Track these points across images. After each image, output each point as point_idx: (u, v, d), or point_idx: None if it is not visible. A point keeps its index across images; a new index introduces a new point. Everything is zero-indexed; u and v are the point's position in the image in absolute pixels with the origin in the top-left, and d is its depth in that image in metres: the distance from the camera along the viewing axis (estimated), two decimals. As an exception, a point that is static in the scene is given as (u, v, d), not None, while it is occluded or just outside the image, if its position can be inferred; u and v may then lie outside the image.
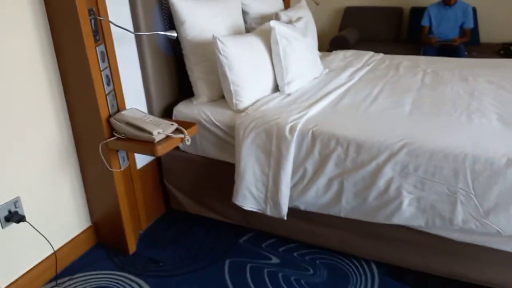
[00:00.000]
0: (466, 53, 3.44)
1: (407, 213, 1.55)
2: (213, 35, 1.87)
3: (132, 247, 1.91)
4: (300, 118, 1.75)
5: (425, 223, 1.53)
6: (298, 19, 2.43)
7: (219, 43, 1.85)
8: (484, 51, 3.53)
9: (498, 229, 1.42)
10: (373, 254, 1.75)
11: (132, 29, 1.88)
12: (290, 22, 2.41)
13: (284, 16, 2.51)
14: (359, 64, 2.64)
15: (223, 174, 1.93)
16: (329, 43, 3.96)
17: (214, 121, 1.91)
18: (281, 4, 2.86)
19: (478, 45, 3.76)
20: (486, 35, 3.86)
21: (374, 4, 4.26)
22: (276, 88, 2.13)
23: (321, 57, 2.83)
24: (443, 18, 3.55)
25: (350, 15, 4.32)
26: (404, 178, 1.53)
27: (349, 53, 2.93)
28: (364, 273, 1.72)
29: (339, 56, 2.84)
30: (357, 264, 1.77)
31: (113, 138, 1.70)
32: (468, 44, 3.63)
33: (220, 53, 1.86)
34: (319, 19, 4.55)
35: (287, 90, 2.07)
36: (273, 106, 1.90)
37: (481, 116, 1.69)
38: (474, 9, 3.65)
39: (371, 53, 2.93)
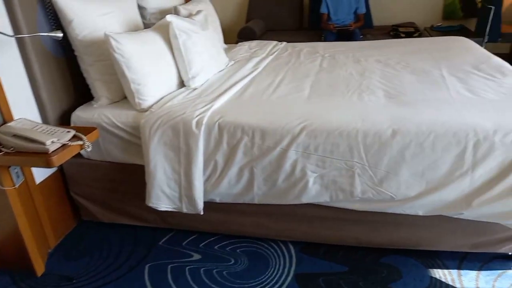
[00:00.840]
0: (361, 36, 3.71)
1: (313, 191, 1.64)
2: (105, 33, 1.78)
3: (40, 268, 1.76)
4: (206, 112, 1.75)
5: (330, 198, 1.64)
6: (198, 12, 2.40)
7: (112, 40, 1.76)
8: (377, 34, 3.85)
9: (391, 194, 1.57)
10: (288, 234, 1.83)
11: (10, 32, 1.70)
12: (190, 15, 2.38)
13: (183, 10, 2.46)
14: (263, 54, 2.71)
15: (133, 177, 1.86)
16: (237, 34, 4.00)
17: (117, 123, 1.82)
18: (180, -2, 2.82)
19: (372, 28, 4.08)
20: (378, 18, 4.20)
21: (276, -6, 4.38)
22: (182, 84, 2.10)
23: (227, 50, 2.86)
24: (339, 5, 3.78)
25: (255, 6, 4.40)
26: (307, 158, 1.62)
27: (254, 43, 2.99)
28: (282, 253, 1.79)
29: (244, 48, 2.88)
30: (275, 247, 1.84)
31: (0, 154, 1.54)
32: (362, 28, 3.92)
33: (115, 51, 1.78)
34: (226, 11, 4.59)
35: (193, 85, 2.05)
36: (178, 102, 1.87)
37: (370, 93, 1.85)
38: (365, -5, 3.94)
39: (275, 42, 3.03)
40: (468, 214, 1.53)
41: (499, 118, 1.47)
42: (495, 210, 1.49)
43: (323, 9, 3.84)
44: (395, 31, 3.76)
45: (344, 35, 3.75)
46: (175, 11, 2.44)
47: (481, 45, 3.37)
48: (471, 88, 1.79)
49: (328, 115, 1.66)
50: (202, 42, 2.17)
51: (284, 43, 3.03)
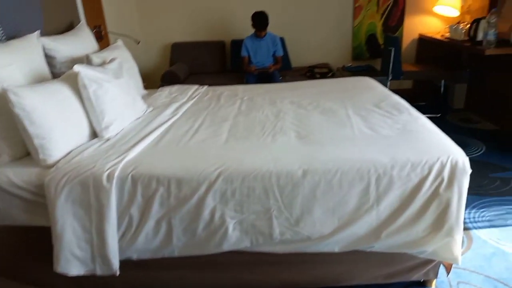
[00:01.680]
0: (280, 77, 3.91)
1: (234, 238, 1.62)
2: (2, 87, 1.66)
3: None
4: (118, 163, 1.68)
5: (250, 243, 1.63)
6: (112, 60, 2.37)
7: (11, 95, 1.65)
8: (295, 74, 4.09)
9: (308, 234, 1.61)
10: (213, 284, 1.77)
11: None
12: (103, 63, 2.33)
13: (96, 58, 2.41)
14: (184, 98, 2.72)
15: (39, 240, 1.69)
16: (160, 78, 4.00)
17: (18, 182, 1.67)
18: (94, 46, 2.76)
19: (290, 69, 4.34)
20: (296, 60, 4.48)
21: (198, 39, 4.50)
22: (95, 135, 2.01)
23: (146, 96, 2.83)
24: (258, 49, 3.98)
25: (178, 50, 4.46)
26: (225, 204, 1.61)
27: (175, 88, 3.00)
28: (208, 305, 1.73)
29: (165, 93, 2.88)
30: (201, 299, 1.76)
31: None
32: (281, 69, 4.15)
33: (15, 106, 1.66)
34: (150, 55, 4.59)
35: (106, 135, 1.98)
36: (89, 154, 1.78)
37: (283, 134, 1.92)
38: (282, 39, 4.20)
39: (196, 86, 3.06)
40: (379, 246, 1.61)
41: (394, 153, 1.61)
42: (401, 240, 1.59)
43: (244, 53, 4.00)
44: (311, 72, 4.02)
45: (265, 76, 3.94)
46: (87, 59, 2.37)
47: (387, 83, 3.73)
48: (371, 125, 1.94)
49: (243, 158, 1.69)
50: (116, 90, 2.12)
51: (205, 87, 3.08)
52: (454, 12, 4.09)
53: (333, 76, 3.90)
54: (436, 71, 3.81)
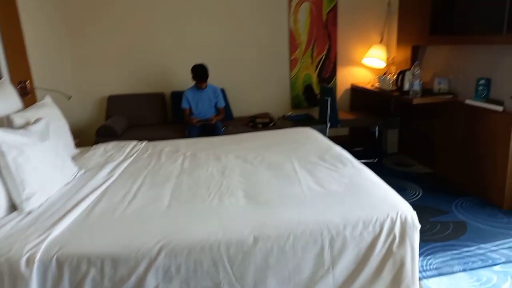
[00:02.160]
0: (223, 128, 3.87)
1: (180, 320, 1.44)
2: None
3: None
4: (40, 243, 1.45)
5: (199, 324, 1.46)
6: (37, 120, 2.15)
7: None
8: (237, 125, 4.07)
9: (263, 306, 1.48)
10: None
11: None
12: (26, 124, 2.10)
13: (18, 118, 2.17)
14: (121, 156, 2.54)
15: None
16: (96, 133, 3.75)
17: None
18: (18, 104, 2.50)
19: (232, 120, 4.33)
20: (237, 110, 4.50)
21: (136, 92, 4.36)
22: (14, 207, 1.75)
23: (78, 156, 2.60)
24: (199, 100, 3.93)
25: (114, 103, 4.27)
26: (169, 282, 1.44)
27: (111, 145, 2.80)
28: None
29: (100, 151, 2.67)
30: None
31: None
32: (224, 120, 4.12)
33: None
34: (84, 110, 4.33)
35: (28, 207, 1.73)
36: (4, 234, 1.53)
37: (231, 195, 1.82)
38: (223, 90, 4.21)
39: (134, 142, 2.89)
40: (338, 312, 1.52)
41: (345, 211, 1.58)
42: (360, 304, 1.52)
43: (184, 104, 3.93)
44: (253, 122, 4.04)
45: (207, 128, 3.87)
46: (7, 121, 2.13)
47: (326, 131, 3.85)
48: (319, 180, 1.92)
49: (188, 228, 1.55)
50: (41, 155, 1.90)
51: (145, 142, 2.91)
52: (381, 64, 4.43)
53: (275, 125, 3.94)
54: (370, 118, 4.03)
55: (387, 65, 4.47)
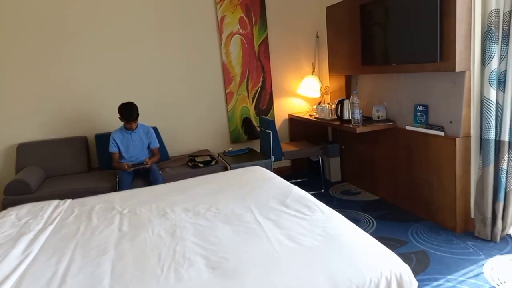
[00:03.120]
0: (160, 172, 3.49)
1: None
2: None
3: None
4: None
5: None
6: None
7: None
8: (175, 166, 3.73)
9: None
10: None
11: None
12: None
13: None
14: (39, 224, 2.06)
15: None
16: (4, 191, 3.13)
17: None
18: None
19: (169, 160, 3.96)
20: (173, 149, 4.16)
21: (53, 137, 3.80)
22: None
23: (-20, 228, 2.06)
24: (129, 142, 3.52)
25: (26, 152, 3.65)
26: None
27: (24, 209, 2.29)
28: None
29: (10, 219, 2.16)
30: None
31: None
32: (160, 161, 3.75)
33: None
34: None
35: None
36: None
37: (189, 266, 1.50)
38: (156, 129, 3.85)
39: (55, 202, 2.41)
40: None
41: (331, 272, 1.36)
42: None
43: (112, 148, 3.49)
44: (193, 161, 3.72)
45: (142, 172, 3.47)
46: None
47: (271, 165, 3.68)
48: (289, 233, 1.69)
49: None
50: None
51: (68, 201, 2.45)
52: (316, 93, 4.45)
53: (217, 163, 3.68)
54: (312, 148, 3.97)
55: (321, 95, 4.51)
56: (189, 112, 4.23)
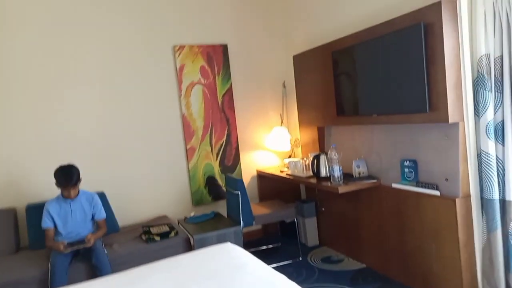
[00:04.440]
0: (106, 250, 2.84)
1: None
2: None
3: None
4: None
5: None
6: None
7: None
8: (126, 240, 3.09)
9: None
10: None
11: None
12: None
13: None
14: None
15: None
16: None
17: None
18: None
19: (118, 232, 3.32)
20: (123, 217, 3.53)
21: (-30, 210, 3.08)
22: None
23: None
24: (67, 214, 2.88)
25: None
26: None
27: None
28: None
29: None
30: None
31: None
32: (108, 232, 3.11)
33: None
34: None
35: None
36: None
37: None
38: (102, 195, 3.24)
39: None
40: None
41: None
42: None
43: (46, 223, 2.85)
44: (148, 234, 3.10)
45: (82, 254, 2.81)
46: None
47: (241, 234, 3.14)
48: None
49: None
50: None
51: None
52: (286, 147, 4.07)
53: (177, 234, 3.08)
54: (285, 209, 3.49)
55: (291, 148, 4.14)
56: (144, 172, 3.67)
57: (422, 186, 2.55)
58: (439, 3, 2.22)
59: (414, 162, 2.63)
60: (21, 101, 3.22)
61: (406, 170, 2.69)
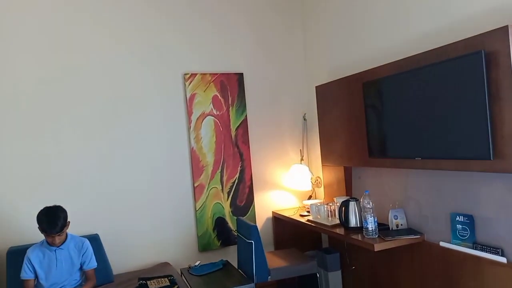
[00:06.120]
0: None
1: None
2: None
3: None
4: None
5: None
6: None
7: None
8: (119, 295, 2.63)
9: None
10: None
11: None
12: None
13: None
14: None
15: None
16: None
17: None
18: None
19: (112, 283, 2.86)
20: (119, 265, 3.08)
21: None
22: None
23: None
24: (52, 264, 2.46)
25: None
26: None
27: None
28: None
29: None
30: None
31: None
32: (98, 285, 2.65)
33: None
34: None
35: None
36: None
37: None
38: (95, 238, 2.82)
39: None
40: None
41: None
42: None
43: (25, 274, 2.42)
44: (143, 286, 2.64)
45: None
46: None
47: (254, 293, 2.66)
48: None
49: None
50: None
51: None
52: (306, 186, 3.61)
53: (178, 290, 2.62)
54: (306, 262, 3.00)
55: (312, 187, 3.68)
56: (144, 213, 3.24)
57: (482, 249, 2.06)
58: (505, 28, 1.81)
59: (470, 218, 2.15)
60: (7, 134, 2.87)
61: (459, 227, 2.20)
